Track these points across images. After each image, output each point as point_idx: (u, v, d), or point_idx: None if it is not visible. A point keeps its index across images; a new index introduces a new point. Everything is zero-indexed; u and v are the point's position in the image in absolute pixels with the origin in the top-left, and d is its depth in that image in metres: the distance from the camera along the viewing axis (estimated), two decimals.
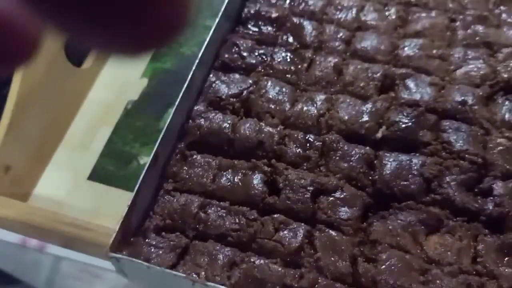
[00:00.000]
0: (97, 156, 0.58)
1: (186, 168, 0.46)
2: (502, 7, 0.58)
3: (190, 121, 0.49)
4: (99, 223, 0.49)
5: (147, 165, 0.43)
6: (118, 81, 0.64)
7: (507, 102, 0.49)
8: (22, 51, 0.13)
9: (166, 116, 0.60)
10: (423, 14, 0.58)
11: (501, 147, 0.46)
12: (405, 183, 0.44)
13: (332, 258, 0.41)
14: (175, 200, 0.44)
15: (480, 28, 0.56)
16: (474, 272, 0.40)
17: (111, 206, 0.53)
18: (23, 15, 0.12)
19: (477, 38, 0.55)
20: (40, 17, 0.12)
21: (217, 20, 0.53)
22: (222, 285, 0.38)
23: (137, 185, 0.41)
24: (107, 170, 0.57)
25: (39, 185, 0.57)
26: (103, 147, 0.59)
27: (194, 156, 0.47)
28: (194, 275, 0.38)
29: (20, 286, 0.57)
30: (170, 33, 0.13)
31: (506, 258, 0.41)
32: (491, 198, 0.43)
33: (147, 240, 0.42)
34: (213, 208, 0.44)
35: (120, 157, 0.58)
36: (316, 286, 0.39)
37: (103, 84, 0.65)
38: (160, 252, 0.42)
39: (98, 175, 0.57)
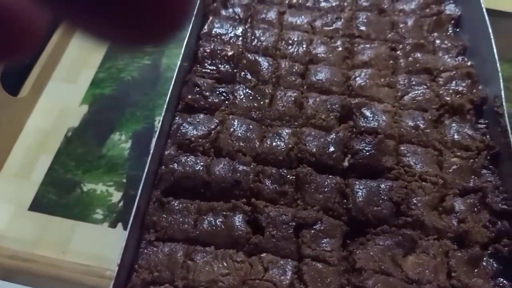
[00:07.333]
0: (38, 185, 0.57)
1: (165, 216, 0.46)
2: (434, 34, 0.63)
3: (163, 166, 0.48)
4: (42, 254, 0.50)
5: (131, 220, 0.41)
6: (57, 108, 0.64)
7: (453, 124, 0.54)
8: (24, 41, 0.13)
9: (108, 142, 0.60)
10: (367, 45, 0.62)
11: (455, 166, 0.51)
12: (377, 208, 0.47)
13: None
14: (159, 251, 0.44)
15: (419, 55, 0.61)
16: (451, 287, 0.43)
17: (53, 236, 0.52)
18: (25, 5, 0.12)
19: (417, 65, 0.60)
20: (44, 8, 0.12)
21: (179, 62, 0.53)
22: None
23: (124, 242, 0.40)
24: (49, 199, 0.55)
25: None
26: (44, 175, 0.57)
27: (172, 203, 0.47)
28: None
29: None
30: (169, 29, 0.13)
31: (476, 270, 0.44)
32: (454, 215, 0.47)
33: None
34: (199, 255, 0.44)
35: (62, 185, 0.57)
36: None
37: (42, 112, 0.64)
38: None
39: (39, 204, 0.55)
